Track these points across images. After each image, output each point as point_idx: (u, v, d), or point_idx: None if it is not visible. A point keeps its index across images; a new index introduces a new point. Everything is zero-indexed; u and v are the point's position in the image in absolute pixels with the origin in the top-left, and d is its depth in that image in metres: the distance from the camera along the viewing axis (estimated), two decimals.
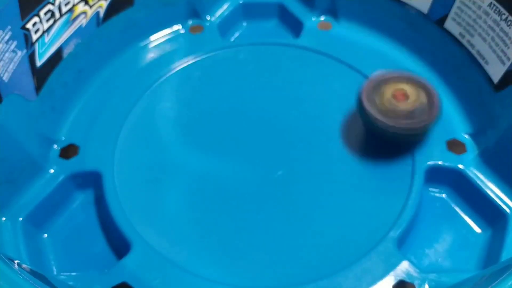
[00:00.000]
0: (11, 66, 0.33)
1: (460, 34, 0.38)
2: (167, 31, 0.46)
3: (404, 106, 0.33)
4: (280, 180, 0.35)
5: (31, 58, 0.35)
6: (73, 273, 0.31)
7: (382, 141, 0.35)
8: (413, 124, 0.33)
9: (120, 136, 0.37)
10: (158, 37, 0.45)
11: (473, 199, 0.34)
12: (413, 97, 0.33)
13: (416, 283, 0.29)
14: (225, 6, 0.47)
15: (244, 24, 0.48)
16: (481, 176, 0.34)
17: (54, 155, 0.36)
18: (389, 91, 0.34)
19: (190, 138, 0.38)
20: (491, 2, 0.35)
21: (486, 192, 0.33)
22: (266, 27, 0.48)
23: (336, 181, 0.35)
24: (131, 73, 0.42)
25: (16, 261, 0.25)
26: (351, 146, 0.36)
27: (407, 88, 0.34)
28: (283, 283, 0.30)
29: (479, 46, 0.37)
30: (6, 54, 0.32)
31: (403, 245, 0.32)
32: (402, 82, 0.34)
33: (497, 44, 0.35)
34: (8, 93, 0.33)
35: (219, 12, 0.46)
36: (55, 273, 0.32)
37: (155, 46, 0.45)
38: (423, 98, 0.34)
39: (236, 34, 0.47)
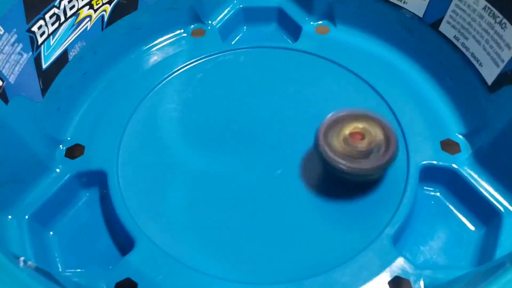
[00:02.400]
0: (17, 68, 0.33)
1: (455, 37, 0.39)
2: (170, 35, 0.46)
3: (360, 146, 0.32)
4: (279, 178, 0.35)
5: (37, 60, 0.35)
6: (78, 270, 0.32)
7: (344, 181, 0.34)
8: (370, 165, 0.32)
9: (124, 136, 0.37)
10: (161, 41, 0.46)
11: (467, 197, 0.34)
12: (369, 137, 0.32)
13: (411, 279, 0.30)
14: (226, 11, 0.47)
15: (244, 28, 0.48)
16: (475, 175, 0.34)
17: (60, 154, 0.36)
18: (345, 130, 0.32)
19: (192, 138, 0.38)
20: (485, 5, 0.35)
21: (479, 190, 0.34)
22: (265, 31, 0.48)
23: (334, 180, 0.35)
24: (134, 75, 0.42)
25: (21, 258, 0.26)
26: None
27: (364, 127, 0.33)
28: (282, 278, 0.31)
29: (473, 48, 0.37)
30: (12, 57, 0.33)
31: (399, 242, 0.32)
32: (358, 120, 0.33)
33: (491, 47, 0.35)
34: (15, 94, 0.33)
35: (220, 17, 0.47)
36: (60, 270, 0.32)
37: (158, 49, 0.45)
38: (379, 136, 0.32)
39: (237, 38, 0.48)
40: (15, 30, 0.33)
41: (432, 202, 0.35)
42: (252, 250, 0.32)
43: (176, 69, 0.42)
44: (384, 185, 0.34)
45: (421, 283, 0.30)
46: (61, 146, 0.37)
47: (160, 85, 0.41)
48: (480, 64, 0.37)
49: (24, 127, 0.34)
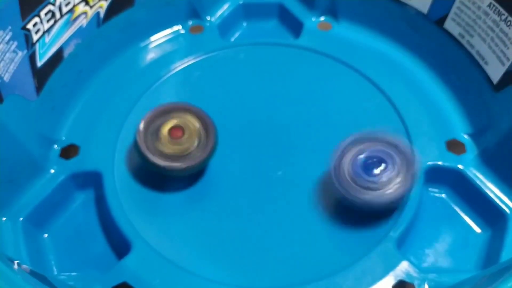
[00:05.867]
0: (11, 67, 0.33)
1: (460, 34, 0.38)
2: (167, 31, 0.45)
3: (182, 143, 0.32)
4: (279, 180, 0.35)
5: (32, 58, 0.35)
6: (74, 273, 0.32)
7: None
8: (191, 163, 0.32)
9: (121, 136, 0.37)
10: (158, 37, 0.45)
11: (473, 199, 0.34)
12: (188, 129, 0.32)
13: (416, 283, 0.29)
14: (225, 7, 0.47)
15: (244, 24, 0.48)
16: (481, 176, 0.34)
17: (54, 155, 0.36)
18: (165, 128, 0.33)
19: None
20: (490, 3, 0.35)
21: (485, 192, 0.33)
22: (266, 27, 0.48)
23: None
24: (131, 73, 0.42)
25: (16, 262, 0.25)
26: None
27: (179, 120, 0.33)
28: (283, 283, 0.30)
29: (478, 46, 0.37)
30: (7, 55, 0.32)
31: (403, 245, 0.32)
32: (172, 115, 0.33)
33: (496, 45, 0.35)
34: (9, 93, 0.33)
35: (219, 13, 0.46)
36: (56, 273, 0.32)
37: (155, 46, 0.45)
38: (197, 125, 0.33)
39: (236, 34, 0.47)
40: (10, 27, 0.32)
41: (437, 204, 0.35)
42: (252, 254, 0.32)
43: (173, 67, 0.42)
44: None
45: (426, 287, 0.29)
46: (55, 146, 0.37)
47: (157, 83, 0.41)
48: (486, 62, 0.36)
49: (19, 126, 0.33)
